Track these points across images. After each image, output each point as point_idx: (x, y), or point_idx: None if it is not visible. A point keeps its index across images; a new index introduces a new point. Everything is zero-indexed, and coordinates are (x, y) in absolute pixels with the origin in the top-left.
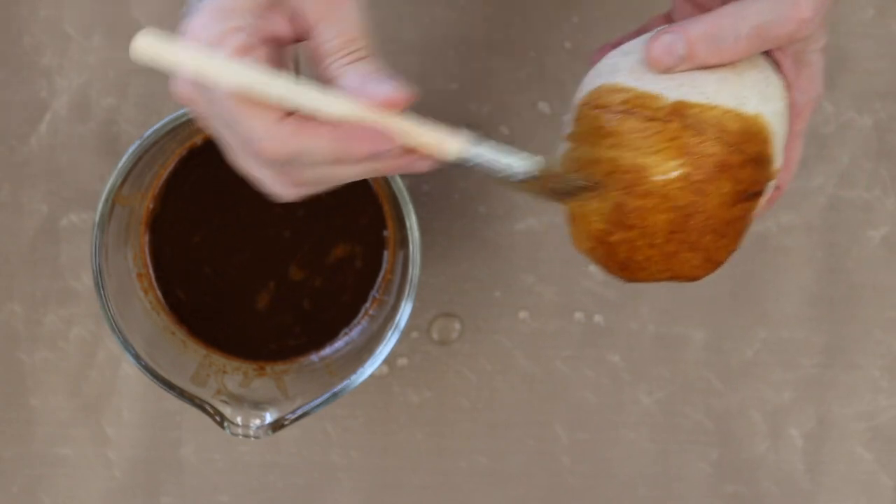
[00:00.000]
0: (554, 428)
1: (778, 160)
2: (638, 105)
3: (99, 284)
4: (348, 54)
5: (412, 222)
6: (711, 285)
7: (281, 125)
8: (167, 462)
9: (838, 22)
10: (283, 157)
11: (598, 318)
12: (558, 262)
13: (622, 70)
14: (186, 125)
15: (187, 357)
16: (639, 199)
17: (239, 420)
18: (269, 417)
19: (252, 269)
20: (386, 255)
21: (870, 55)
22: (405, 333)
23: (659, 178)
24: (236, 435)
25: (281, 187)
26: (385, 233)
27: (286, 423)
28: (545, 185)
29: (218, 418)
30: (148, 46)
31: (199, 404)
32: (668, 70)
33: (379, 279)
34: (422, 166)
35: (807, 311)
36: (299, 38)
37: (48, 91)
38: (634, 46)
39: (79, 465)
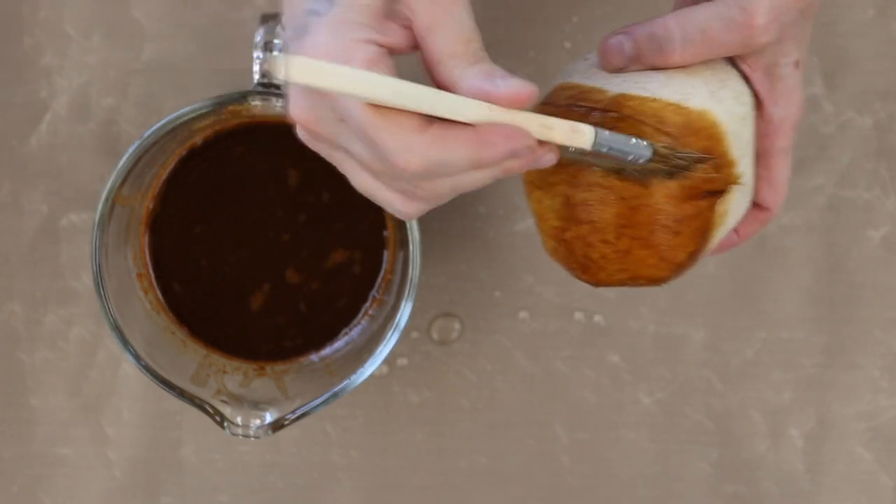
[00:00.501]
0: (554, 428)
1: (743, 164)
2: (581, 99)
3: (99, 284)
4: (467, 56)
5: (412, 222)
6: (711, 285)
7: (421, 136)
8: (167, 462)
9: (838, 22)
10: (424, 168)
11: (598, 318)
12: None
13: (577, 71)
14: (186, 125)
15: (187, 357)
16: (583, 192)
17: (239, 420)
18: (269, 417)
19: (252, 269)
20: (386, 255)
21: (870, 55)
22: (405, 333)
23: (599, 168)
24: (236, 435)
25: (409, 204)
26: (385, 233)
27: (286, 423)
28: (666, 164)
29: (218, 418)
30: (301, 70)
31: (199, 404)
32: (617, 70)
33: (379, 279)
34: (550, 159)
35: (807, 311)
36: (413, 48)
37: (48, 91)
38: (594, 53)
39: (79, 465)
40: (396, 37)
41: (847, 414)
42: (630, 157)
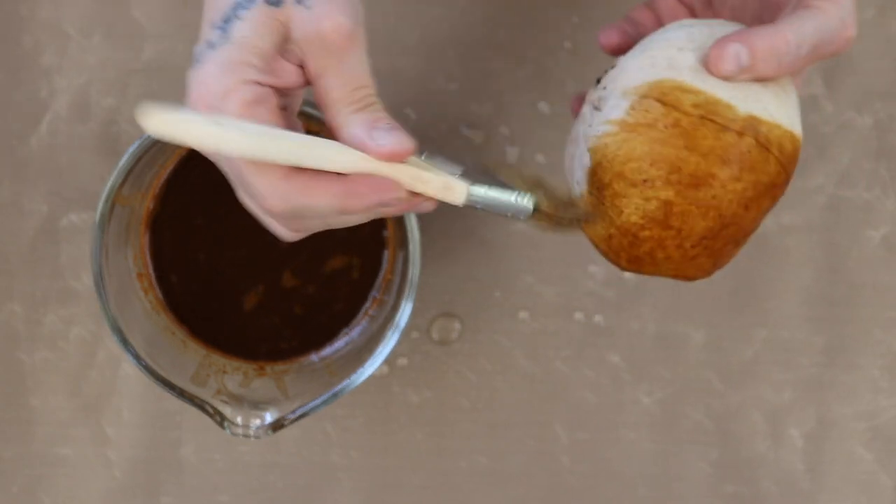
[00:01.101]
0: (554, 428)
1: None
2: (711, 112)
3: (99, 284)
4: (353, 102)
5: (412, 222)
6: (711, 285)
7: (286, 182)
8: (167, 462)
9: None
10: (287, 212)
11: (598, 318)
12: (558, 262)
13: (682, 67)
14: None
15: (187, 357)
16: (691, 204)
17: (239, 420)
18: (269, 417)
19: (251, 270)
20: (386, 255)
21: (870, 55)
22: (405, 333)
23: (719, 188)
24: (236, 435)
25: (285, 232)
26: (385, 233)
27: (286, 423)
28: (549, 218)
29: (218, 418)
30: (158, 123)
31: (199, 404)
32: (726, 77)
33: (379, 279)
34: (427, 207)
35: (807, 311)
36: (308, 83)
37: (48, 91)
38: (680, 41)
39: (79, 465)
40: (288, 76)
41: (847, 414)
42: (508, 215)
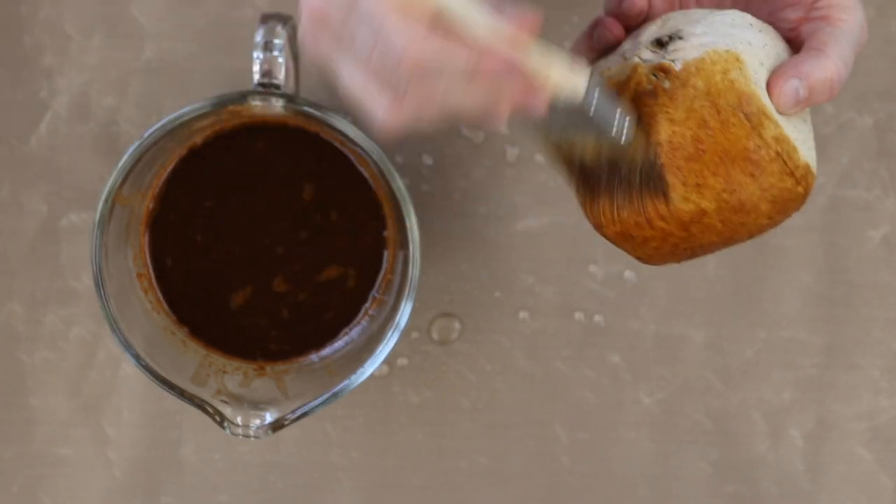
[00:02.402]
0: (554, 428)
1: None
2: (785, 152)
3: (99, 284)
4: None
5: (412, 222)
6: (711, 285)
7: (428, 35)
8: (167, 462)
9: None
10: (420, 61)
11: (598, 318)
12: (558, 262)
13: (763, 87)
14: (186, 125)
15: (187, 357)
16: (720, 222)
17: (239, 420)
18: (269, 417)
19: (250, 270)
20: (386, 255)
21: (870, 55)
22: (405, 333)
23: (752, 221)
24: (236, 435)
25: (393, 110)
26: (385, 233)
27: (286, 423)
28: (628, 154)
29: (218, 418)
30: None
31: (199, 404)
32: (784, 113)
33: (379, 279)
34: (539, 105)
35: (807, 311)
36: None
37: (48, 91)
38: (759, 52)
39: (79, 465)
40: None
41: (847, 414)
42: (607, 132)
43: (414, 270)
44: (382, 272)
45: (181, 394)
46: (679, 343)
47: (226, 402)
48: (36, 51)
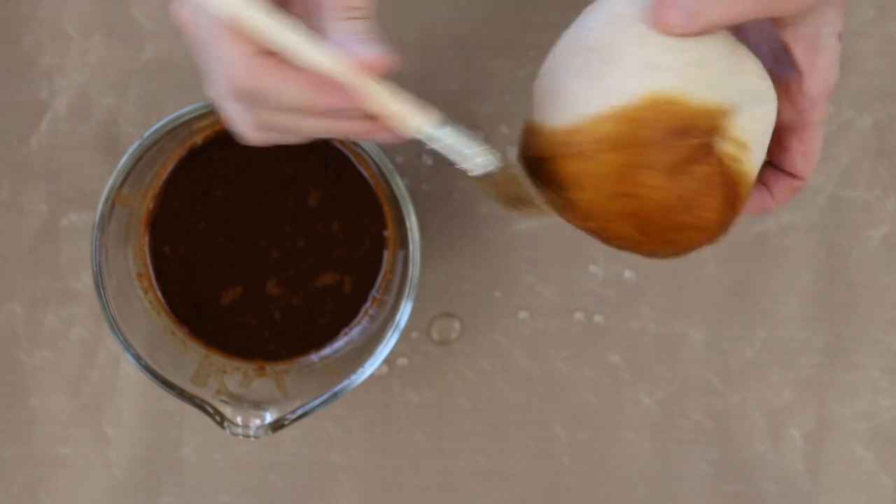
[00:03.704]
0: (554, 428)
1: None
2: (686, 127)
3: (99, 284)
4: (345, 10)
5: (412, 222)
6: (711, 285)
7: (255, 59)
8: (167, 462)
9: None
10: (248, 89)
11: (598, 318)
12: (558, 262)
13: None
14: (186, 125)
15: (187, 357)
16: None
17: (239, 420)
18: (269, 417)
19: (245, 270)
20: (386, 255)
21: (870, 55)
22: (405, 333)
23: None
24: (236, 435)
25: (246, 127)
26: (385, 233)
27: (286, 423)
28: (499, 188)
29: (218, 418)
30: None
31: (199, 404)
32: (673, 31)
33: (379, 279)
34: (383, 137)
35: (807, 311)
36: None
37: (48, 91)
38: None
39: (79, 465)
40: None
41: (847, 414)
42: (458, 165)
43: (414, 270)
44: (382, 272)
45: (181, 394)
46: (679, 343)
47: (226, 402)
48: (36, 51)
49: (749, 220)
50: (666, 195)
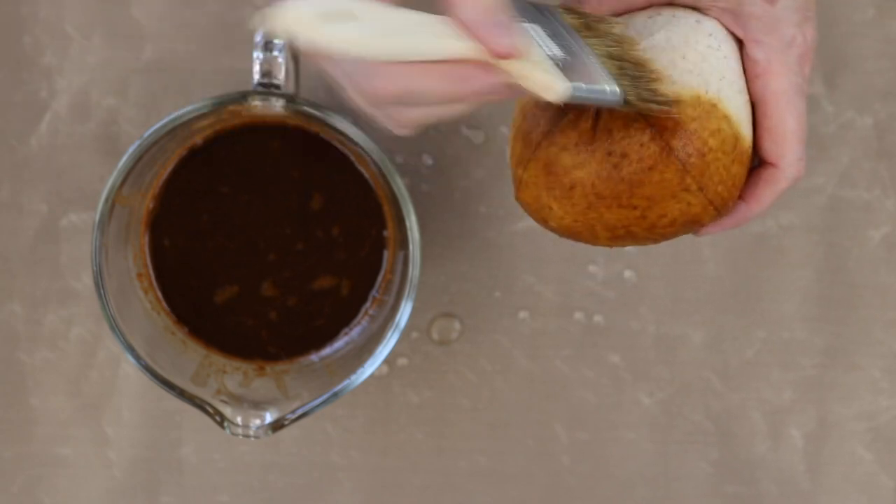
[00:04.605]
0: (554, 428)
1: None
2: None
3: (99, 284)
4: None
5: (412, 222)
6: (711, 285)
7: (395, 67)
8: (167, 462)
9: (838, 22)
10: (396, 97)
11: (598, 318)
12: (558, 262)
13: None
14: (186, 125)
15: (187, 357)
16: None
17: (239, 420)
18: (269, 417)
19: (241, 270)
20: (386, 255)
21: (870, 55)
22: (405, 333)
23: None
24: (236, 435)
25: (395, 125)
26: (385, 233)
27: (286, 423)
28: (640, 106)
29: (218, 418)
30: (282, 23)
31: (199, 404)
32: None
33: (379, 279)
34: (522, 92)
35: (807, 311)
36: None
37: (48, 91)
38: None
39: (79, 465)
40: None
41: (847, 414)
42: (601, 104)
43: (414, 270)
44: (382, 272)
45: (181, 394)
46: (679, 343)
47: (226, 402)
48: (36, 51)
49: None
50: (596, 162)
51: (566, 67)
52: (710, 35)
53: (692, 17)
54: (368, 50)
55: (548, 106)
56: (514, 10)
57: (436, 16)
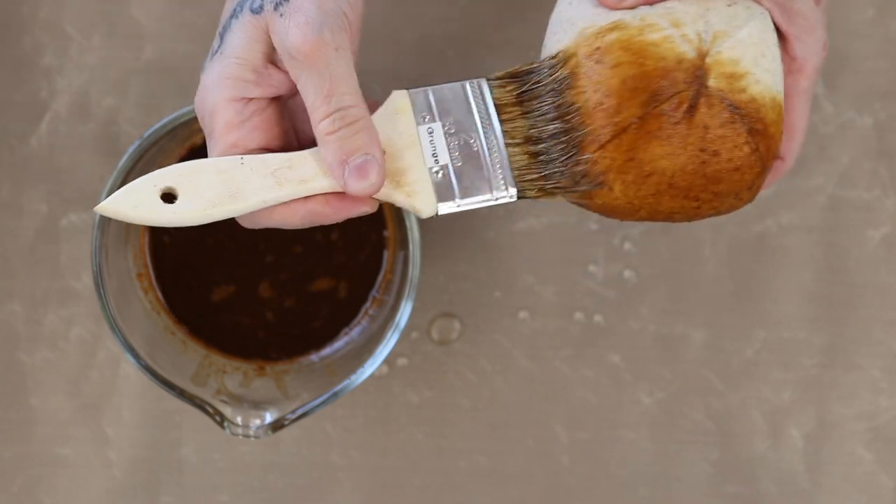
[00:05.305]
0: (554, 428)
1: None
2: (661, 85)
3: (99, 284)
4: (326, 115)
5: (412, 222)
6: (711, 285)
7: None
8: (167, 462)
9: (838, 22)
10: (252, 226)
11: (598, 318)
12: (558, 262)
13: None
14: (186, 125)
15: (187, 357)
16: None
17: (239, 420)
18: (269, 417)
19: (239, 270)
20: (386, 255)
21: (870, 55)
22: (405, 333)
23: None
24: (236, 435)
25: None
26: (385, 233)
27: (286, 423)
28: (542, 194)
29: (218, 418)
30: (113, 211)
31: (199, 404)
32: (619, 4)
33: (379, 279)
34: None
35: (807, 311)
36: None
37: (48, 91)
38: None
39: (79, 465)
40: (280, 84)
41: (847, 414)
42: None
43: (414, 270)
44: (382, 272)
45: (181, 394)
46: (679, 343)
47: (226, 402)
48: (36, 51)
49: (749, 219)
50: (686, 156)
51: (457, 173)
52: (773, 31)
53: (758, 7)
54: (210, 216)
55: (642, 87)
56: (417, 107)
57: (305, 151)
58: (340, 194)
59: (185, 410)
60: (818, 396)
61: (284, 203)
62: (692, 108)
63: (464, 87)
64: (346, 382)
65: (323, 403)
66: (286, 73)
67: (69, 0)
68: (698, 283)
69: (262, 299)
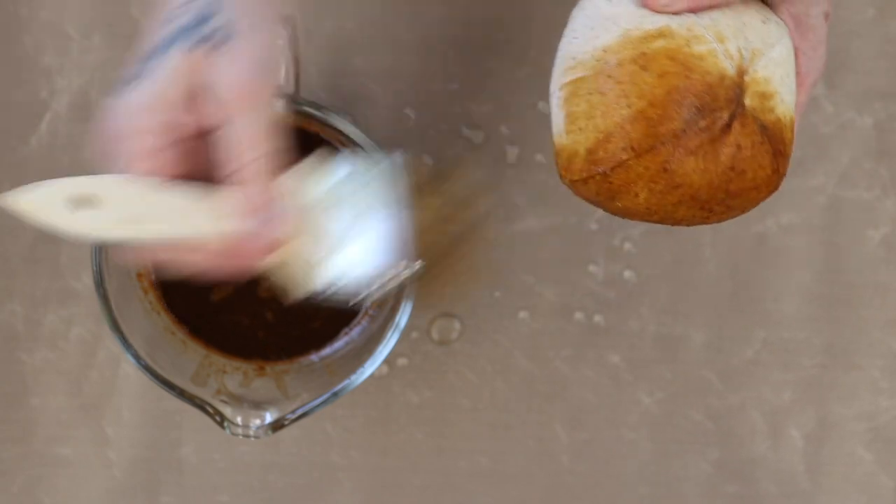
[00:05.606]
0: (554, 428)
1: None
2: (706, 97)
3: (99, 284)
4: (241, 167)
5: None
6: (711, 285)
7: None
8: (167, 462)
9: (838, 22)
10: (154, 264)
11: (598, 318)
12: (558, 262)
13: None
14: None
15: (187, 357)
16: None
17: (239, 420)
18: (269, 417)
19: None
20: None
21: (870, 55)
22: (405, 333)
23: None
24: (236, 435)
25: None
26: None
27: (286, 423)
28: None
29: (218, 418)
30: (20, 206)
31: (199, 404)
32: (663, 9)
33: None
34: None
35: (807, 311)
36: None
37: (48, 91)
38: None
39: (79, 465)
40: (199, 121)
41: (847, 414)
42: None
43: None
44: None
45: (181, 394)
46: (679, 343)
47: (226, 402)
48: (36, 51)
49: (749, 219)
50: (715, 172)
51: (348, 254)
52: (793, 49)
53: (783, 25)
54: (112, 235)
55: (687, 101)
56: (324, 190)
57: (223, 189)
58: (231, 248)
59: (185, 410)
60: (818, 397)
61: (183, 241)
62: (727, 126)
63: (385, 163)
64: (346, 382)
65: (323, 403)
66: (206, 111)
67: (69, 0)
68: (698, 284)
69: (262, 299)
